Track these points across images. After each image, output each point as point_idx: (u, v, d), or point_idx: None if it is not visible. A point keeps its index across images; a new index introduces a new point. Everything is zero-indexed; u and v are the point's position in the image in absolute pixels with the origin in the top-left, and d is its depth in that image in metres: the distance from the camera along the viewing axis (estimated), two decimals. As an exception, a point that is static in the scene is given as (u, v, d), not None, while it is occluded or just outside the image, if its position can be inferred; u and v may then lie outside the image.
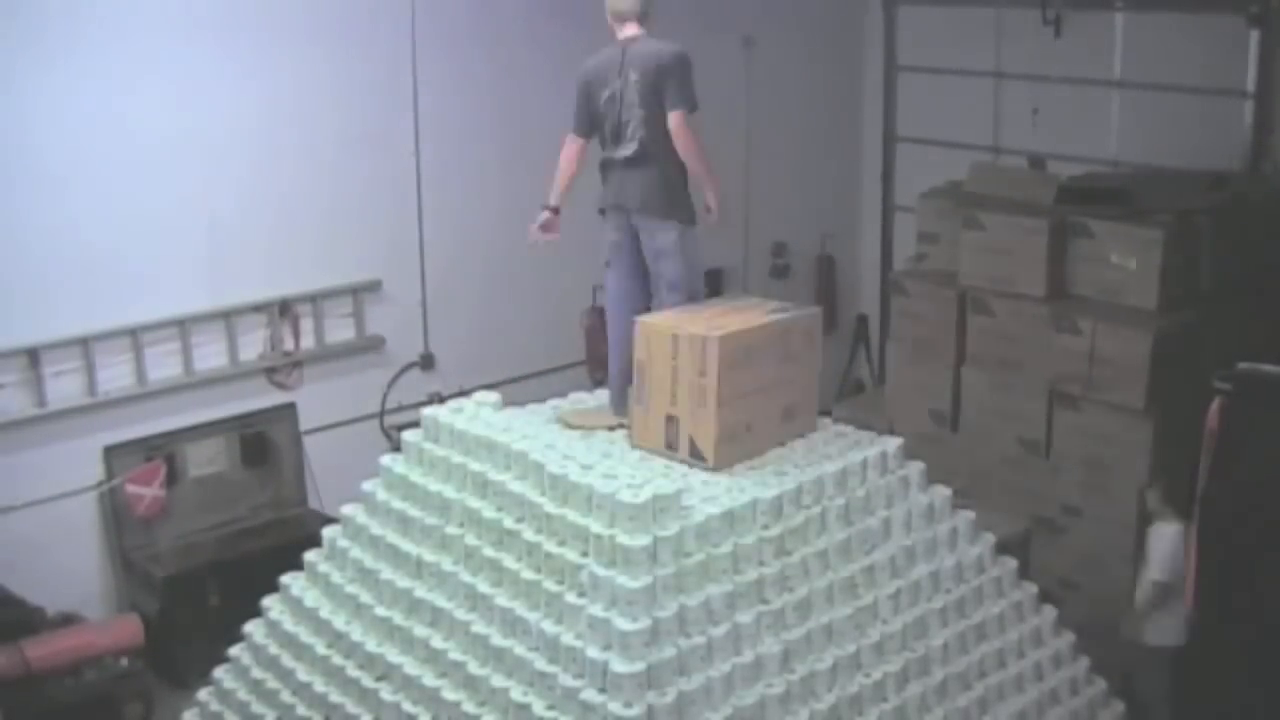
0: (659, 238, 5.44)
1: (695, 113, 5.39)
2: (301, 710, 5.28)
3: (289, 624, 5.53)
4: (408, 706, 4.87)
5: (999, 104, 9.82)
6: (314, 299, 8.24)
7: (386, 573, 5.23)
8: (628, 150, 5.43)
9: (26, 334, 7.19)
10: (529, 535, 4.83)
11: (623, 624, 4.42)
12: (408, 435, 5.55)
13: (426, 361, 8.77)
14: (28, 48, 6.99)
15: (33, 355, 7.24)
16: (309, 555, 5.68)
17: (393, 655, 5.03)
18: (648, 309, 5.49)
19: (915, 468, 5.46)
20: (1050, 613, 5.68)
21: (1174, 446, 6.84)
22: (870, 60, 10.75)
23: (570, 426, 5.52)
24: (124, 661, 6.98)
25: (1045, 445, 7.47)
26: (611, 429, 5.49)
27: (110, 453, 7.54)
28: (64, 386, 7.38)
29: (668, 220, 5.42)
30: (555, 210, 5.70)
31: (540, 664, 4.58)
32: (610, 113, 5.47)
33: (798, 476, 5.01)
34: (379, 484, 5.53)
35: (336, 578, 5.45)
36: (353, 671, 5.13)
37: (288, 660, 5.45)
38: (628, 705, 4.33)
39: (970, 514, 5.59)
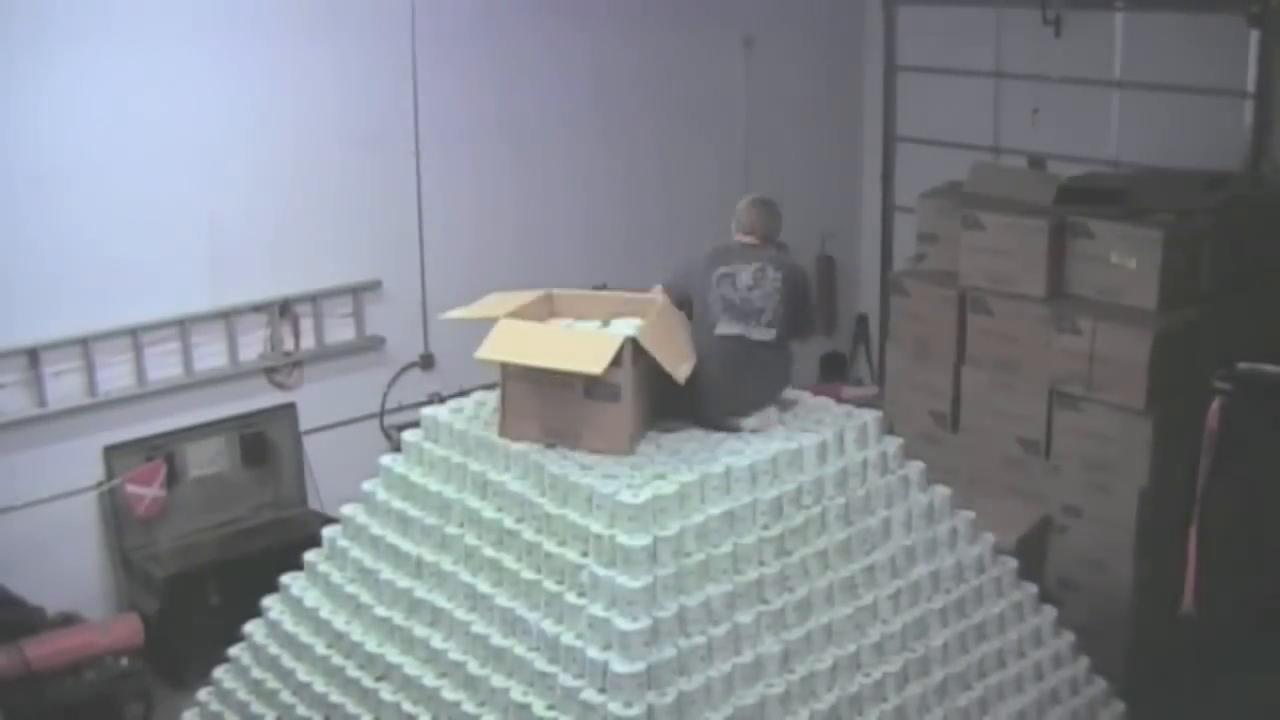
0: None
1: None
2: (301, 710, 5.28)
3: (289, 624, 5.53)
4: (408, 706, 4.87)
5: (999, 104, 9.82)
6: (314, 299, 8.25)
7: (386, 573, 5.24)
8: (761, 335, 5.26)
9: (26, 334, 7.20)
10: (529, 535, 4.83)
11: (623, 624, 4.42)
12: (408, 435, 5.55)
13: (426, 361, 8.78)
14: (27, 47, 6.99)
15: (33, 355, 7.24)
16: (309, 555, 5.68)
17: (393, 655, 5.03)
18: None
19: (915, 468, 5.46)
20: (1050, 613, 5.68)
21: (1174, 446, 6.84)
22: (870, 60, 10.74)
23: None
24: (124, 661, 6.97)
25: (1045, 445, 7.47)
26: None
27: (110, 453, 7.54)
28: (64, 386, 7.38)
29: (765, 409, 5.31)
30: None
31: (540, 664, 4.58)
32: (733, 293, 5.26)
33: (797, 476, 5.02)
34: (379, 484, 5.52)
35: (336, 578, 5.45)
36: (353, 671, 5.13)
37: (288, 660, 5.45)
38: (628, 705, 4.33)
39: (970, 514, 5.60)
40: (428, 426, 5.47)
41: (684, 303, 5.47)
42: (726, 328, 5.27)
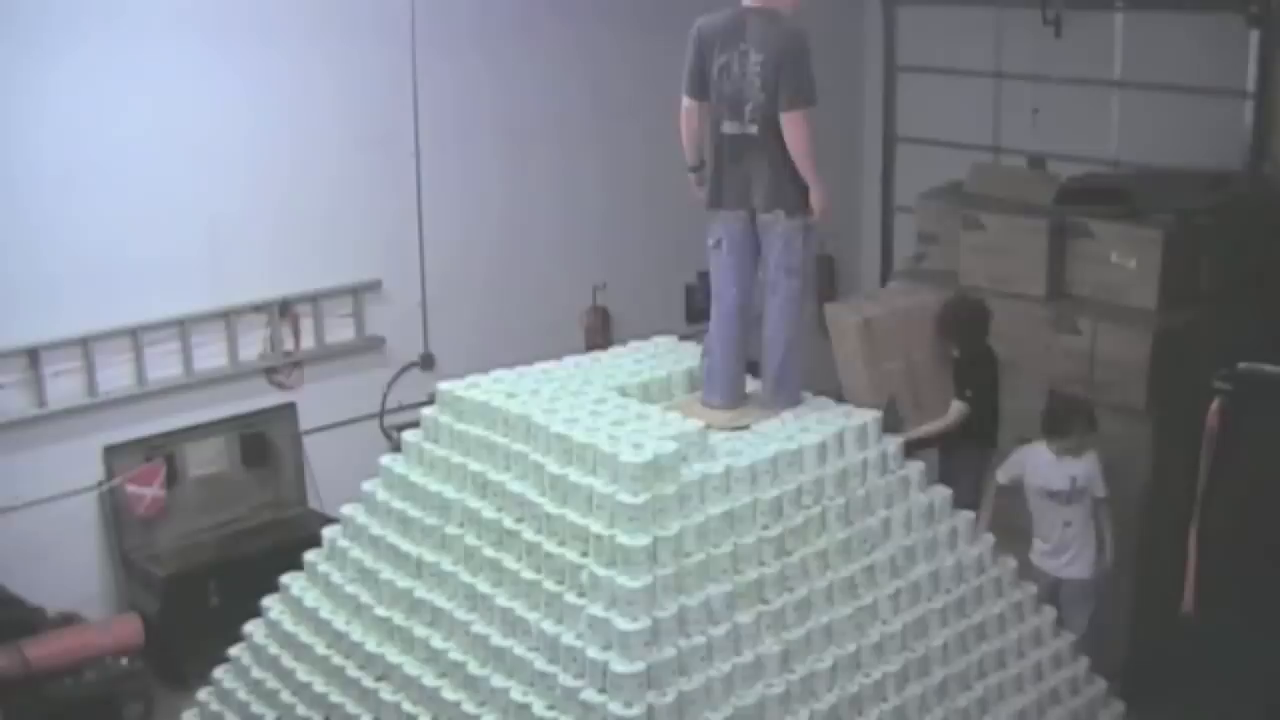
0: (779, 226, 5.29)
1: (812, 107, 5.17)
2: (301, 710, 5.28)
3: (289, 624, 5.53)
4: (408, 706, 4.87)
5: (999, 104, 9.82)
6: (314, 299, 8.25)
7: (386, 573, 5.24)
8: (749, 130, 5.23)
9: (26, 334, 7.19)
10: (529, 535, 4.83)
11: (623, 624, 4.42)
12: (408, 435, 5.55)
13: (426, 361, 8.77)
14: (28, 48, 6.99)
15: (33, 355, 7.24)
16: (309, 555, 5.68)
17: (393, 655, 5.03)
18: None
19: (915, 468, 5.46)
20: (1050, 613, 5.68)
21: (1174, 446, 6.84)
22: (870, 60, 10.75)
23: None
24: (124, 661, 6.98)
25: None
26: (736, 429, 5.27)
27: (110, 453, 7.54)
28: (64, 386, 7.38)
29: (790, 210, 5.26)
30: (696, 169, 5.56)
31: (540, 664, 4.59)
32: (724, 85, 5.24)
33: (797, 476, 5.02)
34: (379, 484, 5.53)
35: (336, 578, 5.45)
36: (353, 671, 5.13)
37: (288, 660, 5.45)
38: (628, 705, 4.33)
39: (970, 514, 5.60)
40: (428, 426, 5.47)
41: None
42: (723, 126, 5.30)
